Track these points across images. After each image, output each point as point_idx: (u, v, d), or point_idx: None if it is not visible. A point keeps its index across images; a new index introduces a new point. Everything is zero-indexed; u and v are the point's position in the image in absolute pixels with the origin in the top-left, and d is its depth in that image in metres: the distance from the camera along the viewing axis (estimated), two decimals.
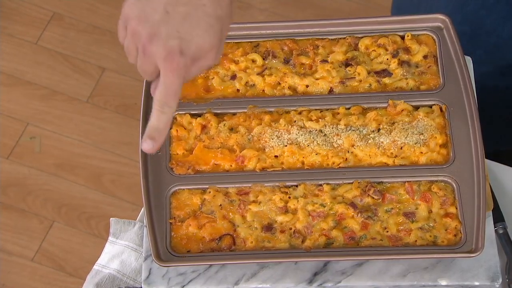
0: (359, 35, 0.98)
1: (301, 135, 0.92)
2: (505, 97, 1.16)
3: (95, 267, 1.03)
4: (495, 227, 1.00)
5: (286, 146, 0.92)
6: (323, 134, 0.93)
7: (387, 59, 0.96)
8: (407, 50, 0.97)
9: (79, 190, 1.86)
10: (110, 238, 1.05)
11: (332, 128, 0.93)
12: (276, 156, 0.92)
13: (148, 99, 0.94)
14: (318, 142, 0.92)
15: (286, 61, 0.97)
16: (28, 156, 1.90)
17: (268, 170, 0.91)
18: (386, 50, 0.97)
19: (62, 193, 1.86)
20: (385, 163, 0.91)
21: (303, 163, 0.92)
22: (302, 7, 2.07)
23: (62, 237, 1.82)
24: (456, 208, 0.88)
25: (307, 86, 0.96)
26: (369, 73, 0.96)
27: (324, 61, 0.96)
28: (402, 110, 0.93)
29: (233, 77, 0.96)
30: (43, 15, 2.05)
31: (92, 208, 1.85)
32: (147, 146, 0.76)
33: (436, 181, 0.90)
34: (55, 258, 1.80)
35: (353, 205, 0.89)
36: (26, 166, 1.88)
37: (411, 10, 1.20)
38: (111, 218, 1.05)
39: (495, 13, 1.07)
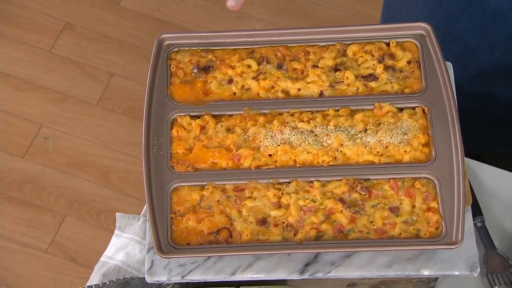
0: (348, 42, 0.97)
1: (293, 135, 0.92)
2: (472, 102, 1.15)
3: (102, 258, 1.03)
4: (474, 221, 1.00)
5: (279, 145, 0.91)
6: (314, 134, 0.92)
7: (374, 64, 0.95)
8: (392, 56, 0.96)
9: (89, 187, 1.86)
10: (116, 231, 1.04)
11: (322, 128, 0.92)
12: (270, 155, 0.91)
13: (151, 102, 0.93)
14: (309, 141, 0.91)
15: (280, 66, 0.96)
16: (42, 155, 1.89)
17: (262, 168, 0.90)
18: (373, 56, 0.96)
19: (74, 189, 1.85)
20: (371, 161, 0.90)
21: (295, 161, 0.91)
22: (296, 17, 2.07)
23: (74, 230, 1.82)
24: (438, 203, 0.87)
25: (299, 89, 0.95)
26: (356, 77, 0.95)
27: (315, 66, 0.96)
28: (388, 112, 0.93)
29: (230, 81, 0.95)
30: (56, 25, 2.05)
31: (101, 204, 1.84)
32: (232, 2, 0.78)
33: (419, 178, 0.89)
34: (67, 250, 1.79)
35: (341, 200, 0.88)
36: (40, 165, 1.88)
37: (396, 17, 1.19)
38: (117, 213, 1.05)
39: (462, 22, 1.07)
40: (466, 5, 1.02)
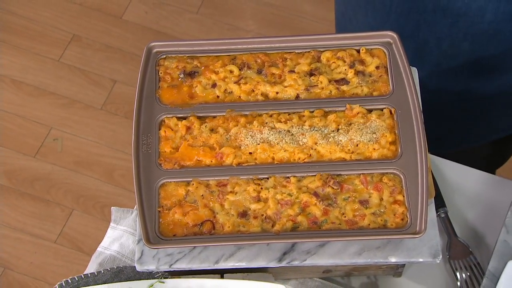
0: (321, 49, 0.95)
1: (272, 134, 0.89)
2: (427, 94, 1.12)
3: (99, 249, 1.00)
4: (437, 212, 0.98)
5: (259, 144, 0.89)
6: (291, 133, 0.90)
7: (345, 69, 0.93)
8: (362, 61, 0.94)
9: (95, 183, 1.83)
10: (111, 224, 1.02)
11: (298, 128, 0.90)
12: (250, 153, 0.89)
13: (140, 105, 0.91)
14: (286, 140, 0.89)
15: (259, 72, 0.94)
16: (51, 155, 1.87)
17: (243, 165, 0.88)
18: (344, 61, 0.94)
19: (80, 186, 1.83)
20: (343, 158, 0.88)
21: (273, 158, 0.89)
22: (282, 29, 2.05)
23: (80, 223, 1.79)
24: (403, 196, 0.85)
25: (277, 92, 0.93)
26: (329, 81, 0.93)
27: (292, 71, 0.93)
28: (358, 113, 0.90)
29: (214, 85, 0.93)
30: (64, 37, 2.02)
31: (105, 199, 1.82)
32: None
33: (387, 173, 0.87)
34: (74, 241, 1.77)
35: (315, 194, 0.86)
36: (50, 164, 1.86)
37: (348, 30, 1.17)
38: (112, 207, 1.02)
39: (411, 21, 1.04)
40: (411, 5, 1.00)
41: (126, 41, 2.02)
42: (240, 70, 0.94)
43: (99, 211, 1.81)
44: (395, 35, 0.93)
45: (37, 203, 1.81)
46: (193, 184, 0.87)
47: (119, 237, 1.00)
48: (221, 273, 0.91)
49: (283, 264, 0.86)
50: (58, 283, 0.91)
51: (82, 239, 1.77)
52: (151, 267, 0.86)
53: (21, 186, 1.84)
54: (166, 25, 2.04)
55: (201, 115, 0.91)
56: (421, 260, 0.85)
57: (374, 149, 0.88)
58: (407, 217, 0.84)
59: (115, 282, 0.91)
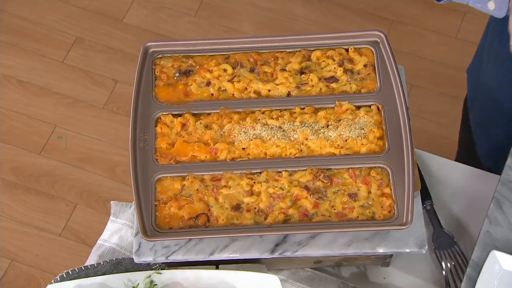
0: (312, 48, 0.93)
1: (264, 130, 0.88)
2: None
3: (99, 241, 0.99)
4: (423, 204, 0.97)
5: (251, 140, 0.88)
6: (282, 129, 0.88)
7: (334, 67, 0.92)
8: (350, 60, 0.92)
9: (97, 179, 1.82)
10: (111, 217, 1.01)
11: (290, 124, 0.88)
12: (243, 148, 0.88)
13: (137, 103, 0.90)
14: (278, 136, 0.88)
15: (252, 70, 0.93)
16: (56, 152, 1.86)
17: (236, 160, 0.87)
18: (334, 60, 0.92)
19: (84, 181, 1.82)
20: (332, 153, 0.87)
21: (265, 154, 0.88)
22: (277, 31, 2.03)
23: (84, 216, 1.78)
24: (390, 189, 0.84)
25: (269, 90, 0.91)
26: (319, 79, 0.92)
27: (283, 70, 0.92)
28: (347, 109, 0.89)
29: (208, 83, 0.92)
30: (68, 39, 2.01)
31: (108, 193, 1.80)
32: None
33: (374, 167, 0.86)
34: (78, 234, 1.76)
35: (306, 188, 0.85)
36: (55, 160, 1.84)
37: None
38: (111, 201, 1.01)
39: None
40: None
41: (127, 43, 2.00)
42: (233, 68, 0.93)
43: (102, 206, 1.79)
44: (382, 35, 0.92)
45: (42, 198, 1.80)
46: (188, 179, 0.86)
47: (118, 230, 0.98)
48: (216, 264, 0.90)
49: (276, 255, 0.85)
50: (59, 274, 0.90)
51: (86, 232, 1.76)
52: (149, 259, 0.85)
53: (27, 182, 1.82)
54: (165, 28, 2.03)
55: (196, 112, 0.90)
56: (407, 250, 0.84)
57: (363, 144, 0.87)
58: (394, 209, 0.83)
59: (114, 273, 0.89)
